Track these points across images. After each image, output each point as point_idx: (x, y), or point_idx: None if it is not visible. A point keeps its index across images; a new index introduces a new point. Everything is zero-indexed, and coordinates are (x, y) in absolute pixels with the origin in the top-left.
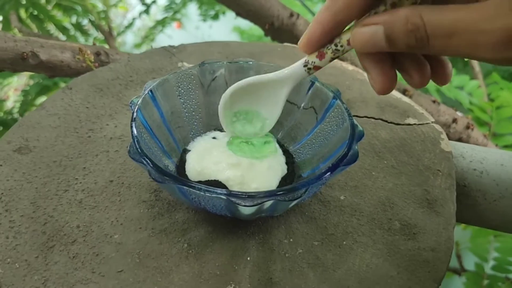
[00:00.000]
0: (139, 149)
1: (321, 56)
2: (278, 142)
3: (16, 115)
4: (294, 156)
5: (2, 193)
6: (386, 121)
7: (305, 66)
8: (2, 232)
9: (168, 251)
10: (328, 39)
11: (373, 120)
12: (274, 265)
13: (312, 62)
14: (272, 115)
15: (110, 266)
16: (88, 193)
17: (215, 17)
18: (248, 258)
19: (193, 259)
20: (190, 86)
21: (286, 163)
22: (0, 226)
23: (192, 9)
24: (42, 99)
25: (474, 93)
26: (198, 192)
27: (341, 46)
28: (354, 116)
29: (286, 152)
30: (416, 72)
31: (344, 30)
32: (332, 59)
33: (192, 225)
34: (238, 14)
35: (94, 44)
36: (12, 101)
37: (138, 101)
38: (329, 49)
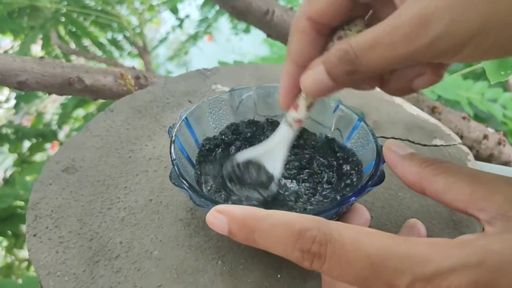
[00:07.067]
0: (179, 174)
1: (296, 107)
2: None
3: (54, 127)
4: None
5: (52, 210)
6: (412, 142)
7: (289, 125)
8: (53, 247)
9: (203, 267)
10: (298, 87)
11: (399, 141)
12: (305, 284)
13: (291, 118)
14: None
15: (150, 281)
16: (129, 211)
17: (247, 30)
18: (279, 276)
19: (227, 276)
20: (221, 112)
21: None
22: (51, 241)
23: (223, 22)
24: (79, 111)
25: (507, 105)
26: None
27: None
28: (380, 137)
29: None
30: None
31: None
32: (308, 107)
33: (226, 242)
34: (269, 35)
35: (133, 67)
36: (51, 113)
37: (175, 128)
38: (300, 98)
